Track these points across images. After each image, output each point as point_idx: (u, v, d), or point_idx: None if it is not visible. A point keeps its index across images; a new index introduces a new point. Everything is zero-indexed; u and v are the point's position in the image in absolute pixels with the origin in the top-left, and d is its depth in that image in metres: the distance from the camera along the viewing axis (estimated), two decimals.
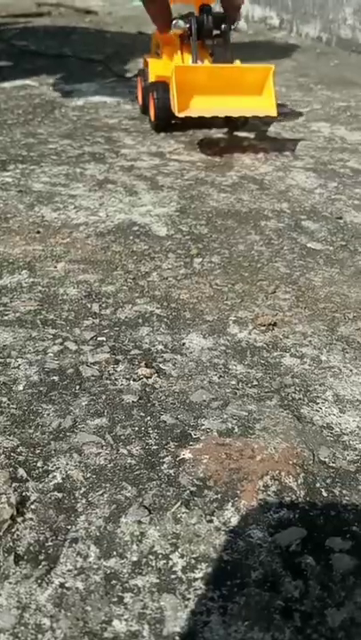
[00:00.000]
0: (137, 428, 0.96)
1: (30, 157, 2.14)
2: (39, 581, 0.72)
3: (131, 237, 1.58)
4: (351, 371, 1.14)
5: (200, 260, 1.50)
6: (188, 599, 0.69)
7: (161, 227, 1.65)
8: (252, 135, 2.46)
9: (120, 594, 0.71)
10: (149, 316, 1.27)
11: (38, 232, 1.61)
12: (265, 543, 0.76)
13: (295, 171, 2.11)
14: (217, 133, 2.44)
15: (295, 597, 0.70)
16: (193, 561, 0.74)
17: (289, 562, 0.74)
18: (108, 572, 0.73)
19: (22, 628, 0.67)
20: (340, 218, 1.79)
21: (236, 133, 2.47)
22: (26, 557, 0.75)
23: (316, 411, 1.03)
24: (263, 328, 1.25)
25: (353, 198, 1.90)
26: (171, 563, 0.75)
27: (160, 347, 1.17)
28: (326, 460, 0.92)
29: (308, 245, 1.63)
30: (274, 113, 2.11)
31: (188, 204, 1.79)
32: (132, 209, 1.74)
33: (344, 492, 0.86)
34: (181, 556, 0.75)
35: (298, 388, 1.08)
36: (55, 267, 1.45)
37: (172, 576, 0.73)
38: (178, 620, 0.67)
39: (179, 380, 1.08)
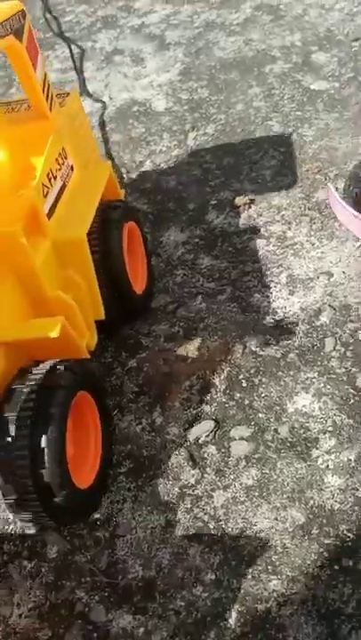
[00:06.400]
0: None
1: None
2: None
3: (130, 121, 1.62)
4: (313, 244, 1.19)
5: (194, 134, 1.52)
6: (112, 491, 0.91)
7: (161, 100, 1.66)
8: None
9: None
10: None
11: None
12: (178, 438, 0.94)
13: None
14: None
15: (191, 484, 0.89)
16: (120, 459, 0.95)
17: (194, 453, 0.92)
18: None
19: None
20: (357, 40, 1.66)
21: None
22: None
23: (266, 296, 1.12)
24: (240, 208, 1.31)
25: None
26: None
27: None
28: (257, 349, 1.03)
29: (312, 87, 1.56)
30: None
31: (193, 61, 1.75)
32: (135, 83, 1.74)
33: (263, 379, 0.99)
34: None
35: (255, 275, 1.17)
36: None
37: None
38: (100, 508, 0.90)
39: None
